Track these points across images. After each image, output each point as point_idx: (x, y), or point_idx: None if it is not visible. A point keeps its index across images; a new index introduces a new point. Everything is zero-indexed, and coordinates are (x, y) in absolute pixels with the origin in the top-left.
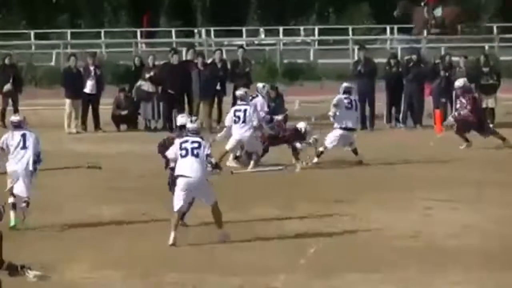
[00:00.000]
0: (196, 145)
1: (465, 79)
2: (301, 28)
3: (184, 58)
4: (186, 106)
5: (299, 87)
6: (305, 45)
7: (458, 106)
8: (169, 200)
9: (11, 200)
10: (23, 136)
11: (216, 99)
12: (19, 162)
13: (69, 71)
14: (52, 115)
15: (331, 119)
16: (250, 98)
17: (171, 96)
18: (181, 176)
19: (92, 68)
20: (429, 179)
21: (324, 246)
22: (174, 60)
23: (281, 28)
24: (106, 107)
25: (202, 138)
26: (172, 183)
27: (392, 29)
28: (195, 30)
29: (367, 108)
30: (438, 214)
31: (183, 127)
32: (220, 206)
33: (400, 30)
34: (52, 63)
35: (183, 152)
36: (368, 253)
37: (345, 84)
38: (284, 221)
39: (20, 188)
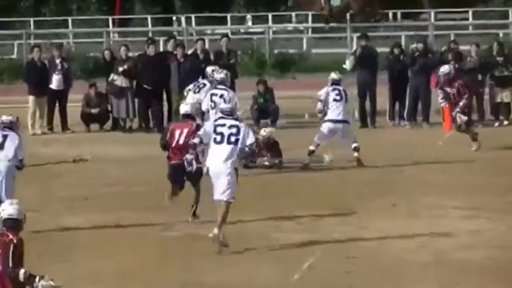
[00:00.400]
0: (234, 130)
1: (451, 66)
2: (293, 14)
3: (162, 49)
4: (165, 102)
5: (291, 80)
6: (298, 33)
7: (451, 98)
8: (145, 209)
9: None
10: (5, 137)
11: None
12: None
13: (32, 65)
14: (14, 114)
15: (319, 114)
16: (197, 88)
17: (147, 91)
18: (210, 166)
19: (58, 61)
20: (437, 183)
21: (321, 260)
22: (151, 51)
23: (270, 15)
24: (74, 104)
25: (238, 120)
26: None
27: (395, 15)
28: (174, 18)
29: (368, 103)
30: (447, 223)
31: (187, 116)
32: (207, 214)
33: (404, 16)
34: (14, 56)
35: (218, 137)
36: (370, 268)
37: (333, 76)
38: (277, 231)
39: None
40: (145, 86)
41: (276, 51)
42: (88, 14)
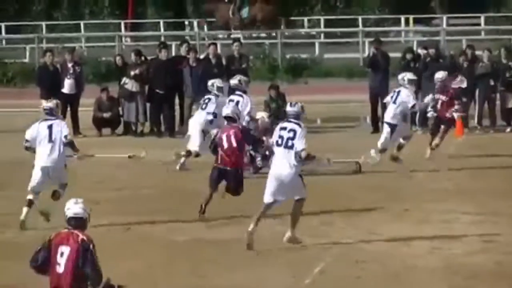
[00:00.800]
0: (291, 134)
1: (446, 72)
2: (305, 19)
3: (174, 54)
4: (177, 107)
5: (303, 85)
6: (310, 38)
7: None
8: (153, 213)
9: (29, 196)
10: (50, 127)
11: None
12: (47, 156)
13: (44, 69)
14: (26, 118)
15: None
16: (204, 105)
17: (159, 96)
18: (273, 169)
19: (70, 65)
20: (448, 189)
21: (331, 264)
22: (163, 55)
23: (282, 19)
24: (86, 109)
25: (299, 124)
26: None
27: (407, 20)
28: (186, 22)
29: (380, 109)
30: (458, 228)
31: (228, 118)
32: (216, 218)
33: (417, 21)
34: (26, 60)
35: (279, 140)
36: (380, 273)
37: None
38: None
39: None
40: (157, 90)
41: (288, 56)
42: (100, 18)
